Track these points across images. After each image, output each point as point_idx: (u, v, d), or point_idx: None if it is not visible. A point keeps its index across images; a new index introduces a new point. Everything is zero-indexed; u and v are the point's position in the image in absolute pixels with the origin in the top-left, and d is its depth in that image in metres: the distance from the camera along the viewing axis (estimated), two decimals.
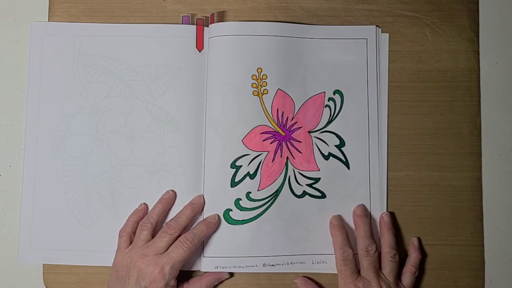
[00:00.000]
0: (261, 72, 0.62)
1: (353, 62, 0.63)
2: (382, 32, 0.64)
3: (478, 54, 0.64)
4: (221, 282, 0.62)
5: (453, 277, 0.63)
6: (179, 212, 0.61)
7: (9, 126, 0.65)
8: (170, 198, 0.62)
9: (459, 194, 0.63)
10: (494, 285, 0.63)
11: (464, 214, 0.63)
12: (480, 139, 0.64)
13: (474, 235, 0.63)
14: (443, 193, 0.63)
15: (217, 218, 0.61)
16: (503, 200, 0.64)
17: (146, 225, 0.60)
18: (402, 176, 0.63)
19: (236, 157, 0.61)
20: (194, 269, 0.62)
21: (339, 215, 0.62)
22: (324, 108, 0.63)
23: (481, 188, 0.64)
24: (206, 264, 0.61)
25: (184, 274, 0.61)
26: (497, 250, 0.64)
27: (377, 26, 0.64)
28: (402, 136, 0.64)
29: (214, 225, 0.60)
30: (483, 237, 0.63)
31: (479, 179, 0.64)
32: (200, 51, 0.63)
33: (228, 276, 0.62)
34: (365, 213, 0.61)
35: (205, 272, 0.62)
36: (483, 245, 0.63)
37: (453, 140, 0.64)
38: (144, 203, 0.62)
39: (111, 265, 0.60)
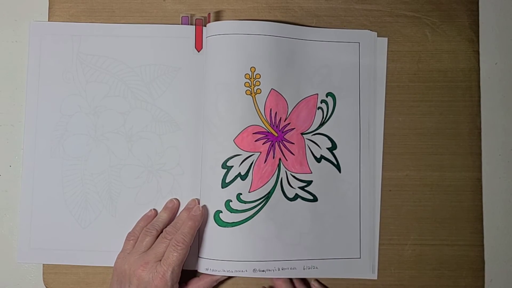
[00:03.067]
0: (254, 71, 0.61)
1: (346, 65, 0.63)
2: (380, 36, 0.64)
3: (478, 54, 0.64)
4: (221, 283, 0.62)
5: (453, 277, 0.63)
6: (176, 218, 0.61)
7: (9, 126, 0.65)
8: (175, 207, 0.62)
9: (459, 194, 0.63)
10: (494, 285, 0.63)
11: (464, 214, 0.63)
12: (480, 139, 0.64)
13: (474, 235, 0.63)
14: (443, 193, 0.63)
15: (200, 209, 0.59)
16: (503, 200, 0.64)
17: (151, 231, 0.59)
18: (402, 176, 0.63)
19: (228, 157, 0.60)
20: (192, 268, 0.62)
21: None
22: (317, 110, 0.63)
23: (481, 188, 0.63)
24: (200, 264, 0.61)
25: (183, 274, 0.61)
26: (497, 250, 0.63)
27: (370, 30, 0.64)
28: (402, 136, 0.64)
29: (200, 217, 0.59)
30: (483, 237, 0.63)
31: (479, 179, 0.63)
32: (199, 51, 0.63)
33: (226, 277, 0.62)
34: None
35: (203, 273, 0.61)
36: (483, 245, 0.63)
37: (453, 140, 0.64)
38: (154, 209, 0.62)
39: (110, 265, 0.60)
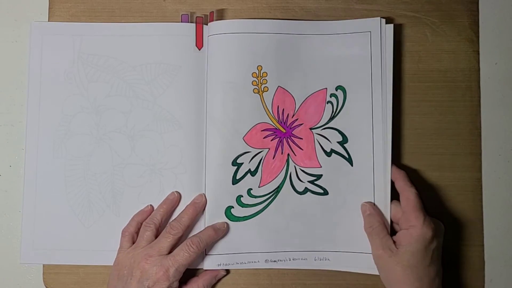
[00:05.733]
0: (261, 69, 0.62)
1: (357, 56, 0.62)
2: (386, 23, 0.62)
3: (478, 54, 0.65)
4: (219, 280, 0.62)
5: (453, 277, 0.63)
6: (181, 212, 0.61)
7: (9, 126, 0.65)
8: (175, 200, 0.62)
9: (459, 194, 0.63)
10: (494, 285, 0.63)
11: (464, 214, 0.63)
12: (480, 139, 0.64)
13: (474, 235, 0.63)
14: (443, 193, 0.63)
15: (225, 226, 0.61)
16: (503, 200, 0.64)
17: (150, 225, 0.60)
18: None
19: (237, 154, 0.62)
20: (196, 267, 0.62)
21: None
22: (326, 105, 0.63)
23: (481, 188, 0.64)
24: (209, 262, 0.61)
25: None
26: (497, 250, 0.64)
27: (381, 17, 0.63)
28: (402, 136, 0.64)
29: (222, 232, 0.61)
30: (483, 237, 0.63)
31: (479, 179, 0.64)
32: (199, 49, 0.63)
33: (225, 273, 0.62)
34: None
35: (205, 270, 0.62)
36: (483, 245, 0.63)
37: (453, 140, 0.64)
38: (151, 205, 0.62)
39: (112, 264, 0.60)
